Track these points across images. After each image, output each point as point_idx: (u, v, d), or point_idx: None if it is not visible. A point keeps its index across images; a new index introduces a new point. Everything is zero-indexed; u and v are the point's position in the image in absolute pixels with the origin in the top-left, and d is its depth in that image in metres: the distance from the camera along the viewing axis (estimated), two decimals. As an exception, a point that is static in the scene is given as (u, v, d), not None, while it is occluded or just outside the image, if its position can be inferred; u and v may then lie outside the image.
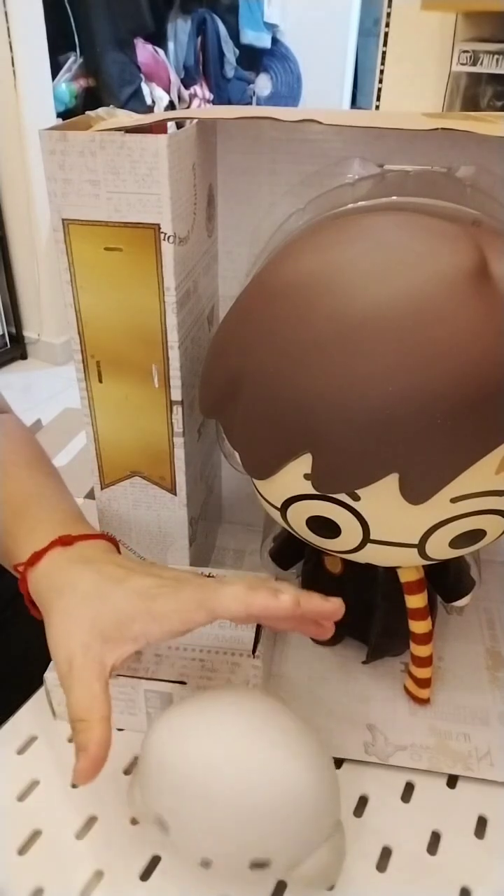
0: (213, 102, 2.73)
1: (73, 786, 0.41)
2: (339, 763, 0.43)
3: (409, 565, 0.42)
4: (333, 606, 0.35)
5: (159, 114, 0.39)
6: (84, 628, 0.34)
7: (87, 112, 0.40)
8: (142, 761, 0.33)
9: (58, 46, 2.16)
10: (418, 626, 0.44)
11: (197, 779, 0.31)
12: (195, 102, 2.65)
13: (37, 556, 0.39)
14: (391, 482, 0.32)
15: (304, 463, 0.33)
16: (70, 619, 0.35)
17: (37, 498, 0.45)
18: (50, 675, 0.43)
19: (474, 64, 1.63)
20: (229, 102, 2.78)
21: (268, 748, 0.31)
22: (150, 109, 2.41)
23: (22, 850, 0.38)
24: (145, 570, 0.38)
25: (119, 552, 0.42)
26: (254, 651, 0.44)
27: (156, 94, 2.49)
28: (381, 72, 1.78)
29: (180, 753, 0.31)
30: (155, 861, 0.37)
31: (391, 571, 0.42)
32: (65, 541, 0.39)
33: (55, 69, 2.19)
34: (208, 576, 0.40)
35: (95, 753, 0.31)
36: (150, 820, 0.33)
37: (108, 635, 0.34)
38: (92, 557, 0.39)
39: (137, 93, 2.41)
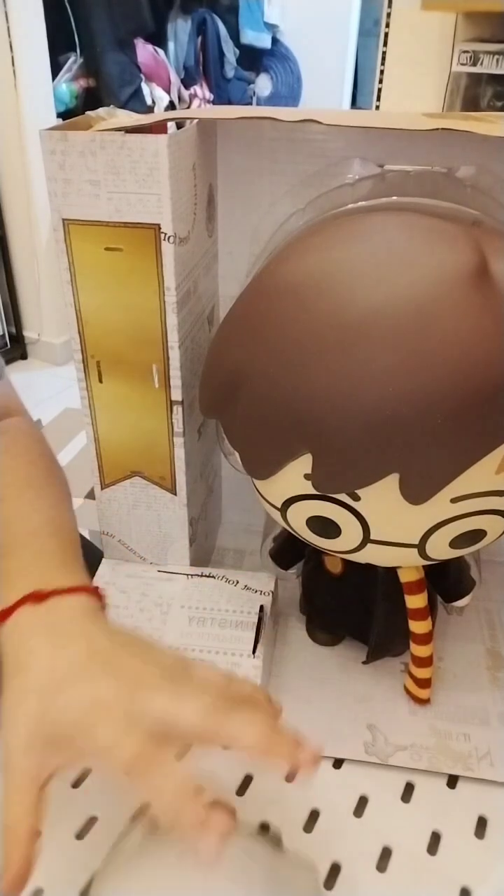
0: (214, 102, 2.73)
1: (74, 786, 0.41)
2: (339, 763, 0.43)
3: (409, 565, 0.41)
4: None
5: (159, 114, 0.39)
6: (26, 727, 0.31)
7: (88, 112, 0.40)
8: None
9: (58, 46, 2.16)
10: (418, 627, 0.44)
11: None
12: (195, 103, 2.65)
13: (4, 614, 0.35)
14: (391, 482, 0.32)
15: (304, 463, 0.33)
16: (16, 710, 0.31)
17: (24, 536, 0.41)
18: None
19: (474, 64, 1.64)
20: (229, 102, 2.78)
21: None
22: (150, 110, 2.41)
23: (22, 850, 0.38)
24: (113, 655, 0.33)
25: (103, 607, 0.37)
26: (254, 651, 0.44)
27: (156, 95, 2.49)
28: (382, 72, 1.78)
29: None
30: (155, 861, 0.37)
31: (391, 571, 0.42)
32: (38, 596, 0.35)
33: (55, 69, 2.19)
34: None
35: (17, 874, 0.29)
36: None
37: (51, 740, 0.30)
38: (61, 627, 0.34)
39: (137, 93, 2.41)
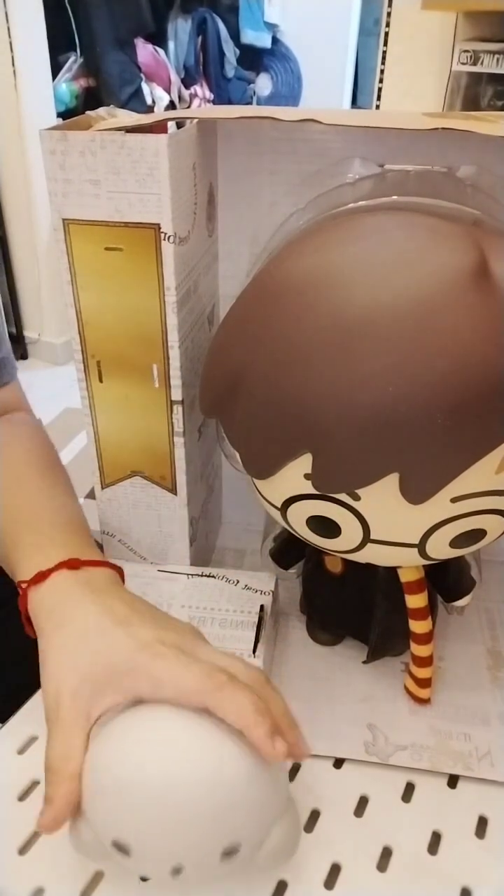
0: (214, 102, 2.73)
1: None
2: (339, 763, 0.43)
3: (409, 565, 0.41)
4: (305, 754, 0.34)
5: (160, 114, 0.39)
6: (77, 671, 0.33)
7: (88, 112, 0.40)
8: (88, 792, 0.32)
9: (58, 46, 2.16)
10: (419, 626, 0.44)
11: (157, 787, 0.30)
12: (195, 102, 2.65)
13: (42, 576, 0.37)
14: (391, 482, 0.32)
15: (304, 463, 0.33)
16: (65, 657, 0.34)
17: (49, 511, 0.44)
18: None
19: (475, 63, 1.63)
20: (230, 102, 2.78)
21: (216, 738, 0.31)
22: (150, 109, 2.41)
23: (22, 850, 0.38)
24: (150, 615, 0.36)
25: (123, 582, 0.41)
26: (254, 650, 0.44)
27: (156, 94, 2.49)
28: (382, 71, 1.78)
29: (134, 767, 0.31)
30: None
31: (391, 571, 0.42)
32: (72, 564, 0.38)
33: (55, 69, 2.19)
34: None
35: (60, 809, 0.31)
36: (102, 852, 0.32)
37: (100, 684, 0.33)
38: (98, 588, 0.37)
39: (138, 93, 2.41)
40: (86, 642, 0.34)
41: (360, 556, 0.38)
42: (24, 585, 0.38)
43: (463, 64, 1.65)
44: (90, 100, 2.35)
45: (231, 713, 0.31)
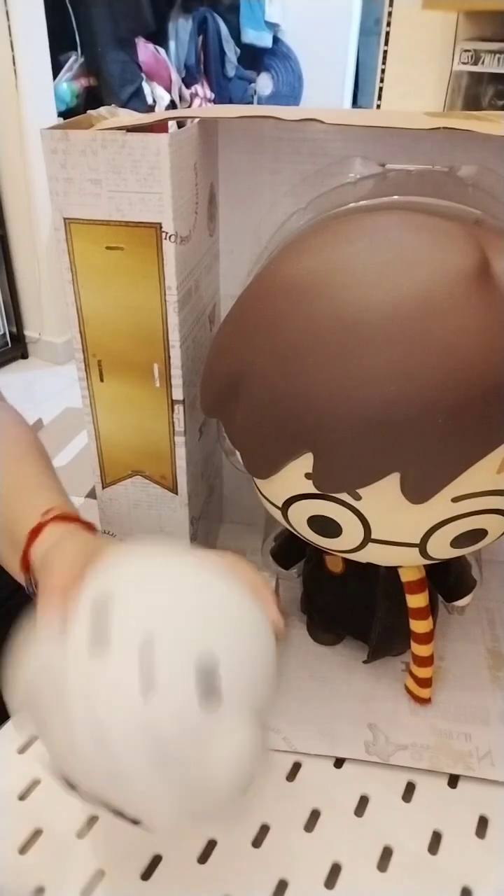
0: (215, 102, 2.73)
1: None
2: (339, 763, 0.43)
3: (410, 565, 0.41)
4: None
5: (160, 113, 0.39)
6: (75, 567, 0.34)
7: (89, 111, 0.40)
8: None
9: (59, 46, 2.16)
10: (419, 626, 0.44)
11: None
12: (196, 102, 2.65)
13: (41, 526, 0.39)
14: (392, 481, 0.32)
15: (305, 462, 0.33)
16: (62, 562, 0.35)
17: (43, 478, 0.46)
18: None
19: (476, 63, 1.63)
20: (230, 102, 2.78)
21: (215, 576, 0.31)
22: (151, 109, 2.41)
23: (23, 850, 0.38)
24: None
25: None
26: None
27: (157, 94, 2.49)
28: (383, 71, 1.78)
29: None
30: (156, 860, 0.37)
31: (392, 571, 0.42)
32: (65, 518, 0.40)
33: (56, 68, 2.19)
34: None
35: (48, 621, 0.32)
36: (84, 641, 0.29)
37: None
38: (86, 537, 0.40)
39: (138, 92, 2.41)
40: (78, 553, 0.35)
41: (361, 556, 0.38)
42: (25, 548, 0.39)
43: (464, 63, 1.65)
44: (91, 99, 2.34)
45: (245, 573, 0.33)
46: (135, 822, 0.30)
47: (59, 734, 0.29)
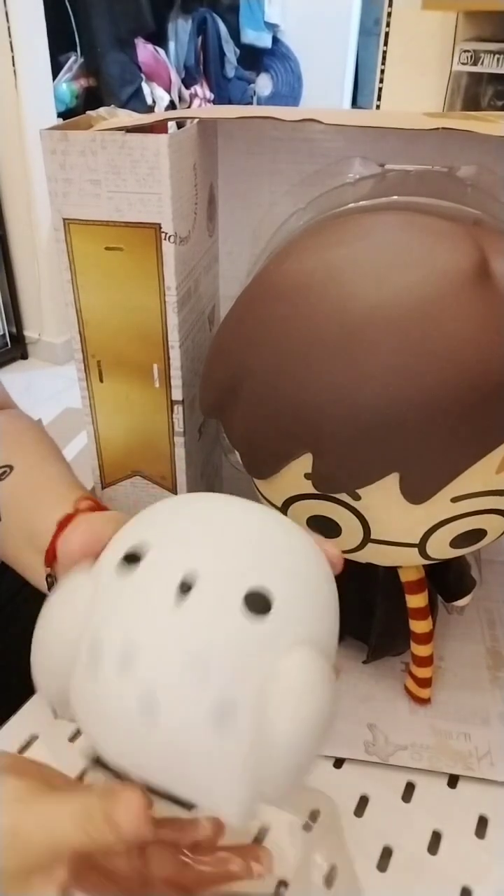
0: (214, 102, 2.73)
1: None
2: (339, 763, 0.43)
3: (409, 565, 0.41)
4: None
5: (160, 113, 0.39)
6: (102, 532, 0.32)
7: (88, 112, 0.40)
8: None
9: (58, 46, 2.16)
10: (419, 626, 0.44)
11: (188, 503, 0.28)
12: (196, 102, 2.65)
13: (70, 517, 0.37)
14: (392, 482, 0.32)
15: (304, 463, 0.33)
16: (87, 526, 0.35)
17: (63, 474, 0.45)
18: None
19: (475, 63, 1.63)
20: (230, 102, 2.78)
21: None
22: (150, 109, 2.41)
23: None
24: None
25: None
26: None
27: (156, 94, 2.49)
28: (382, 71, 1.78)
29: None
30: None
31: (392, 571, 0.42)
32: (66, 521, 0.38)
33: (56, 69, 2.19)
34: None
35: None
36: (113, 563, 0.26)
37: None
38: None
39: (138, 92, 2.41)
40: (113, 518, 0.34)
41: (361, 556, 0.38)
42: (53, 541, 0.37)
43: (463, 64, 1.65)
44: (90, 100, 2.34)
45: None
46: (189, 806, 0.25)
47: (88, 690, 0.25)
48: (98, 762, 0.26)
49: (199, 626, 0.23)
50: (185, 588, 0.24)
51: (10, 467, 0.43)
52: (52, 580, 0.38)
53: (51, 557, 0.37)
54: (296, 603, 0.25)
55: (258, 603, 0.24)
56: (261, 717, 0.23)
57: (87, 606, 0.26)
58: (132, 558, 0.25)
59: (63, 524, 0.37)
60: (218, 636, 0.23)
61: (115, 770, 0.26)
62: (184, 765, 0.24)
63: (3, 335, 2.36)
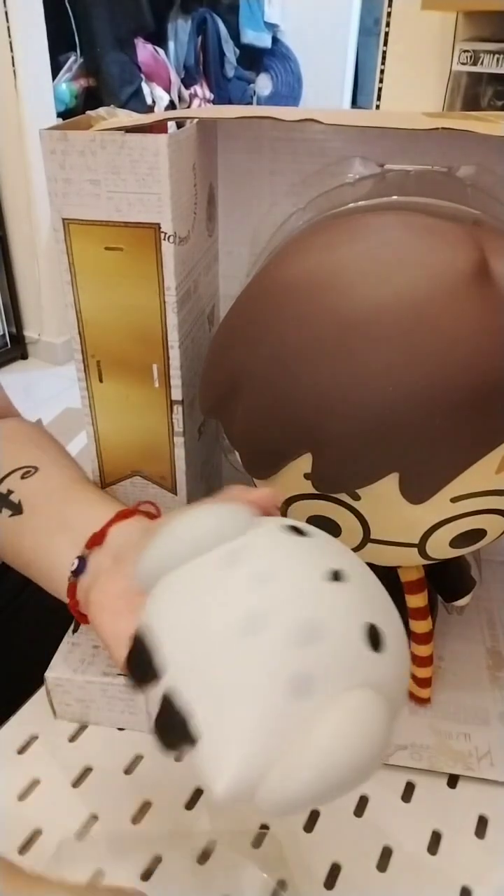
0: (214, 102, 2.73)
1: (73, 785, 0.41)
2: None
3: (409, 565, 0.41)
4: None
5: (159, 113, 0.39)
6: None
7: (88, 112, 0.40)
8: None
9: (58, 46, 2.16)
10: (419, 626, 0.44)
11: None
12: (195, 102, 2.65)
13: (112, 521, 0.38)
14: (391, 482, 0.32)
15: (304, 463, 0.33)
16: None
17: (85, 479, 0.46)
18: (50, 675, 0.43)
19: (475, 63, 1.63)
20: (230, 102, 2.78)
21: None
22: (150, 109, 2.41)
23: (22, 850, 0.38)
24: None
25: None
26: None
27: (156, 94, 2.49)
28: (382, 71, 1.78)
29: None
30: (156, 860, 0.37)
31: (391, 571, 0.42)
32: (125, 514, 0.39)
33: (55, 69, 2.19)
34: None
35: None
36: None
37: None
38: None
39: (138, 92, 2.41)
40: None
41: (361, 556, 0.37)
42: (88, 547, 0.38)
43: (463, 64, 1.64)
44: (90, 100, 2.35)
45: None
46: (193, 740, 0.24)
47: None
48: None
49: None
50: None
51: (36, 468, 0.44)
52: (82, 562, 0.37)
53: (95, 541, 0.37)
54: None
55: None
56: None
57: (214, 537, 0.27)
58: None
59: (122, 515, 0.38)
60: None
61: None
62: (235, 692, 0.23)
63: (3, 335, 2.36)
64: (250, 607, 0.25)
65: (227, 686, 0.24)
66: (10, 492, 0.42)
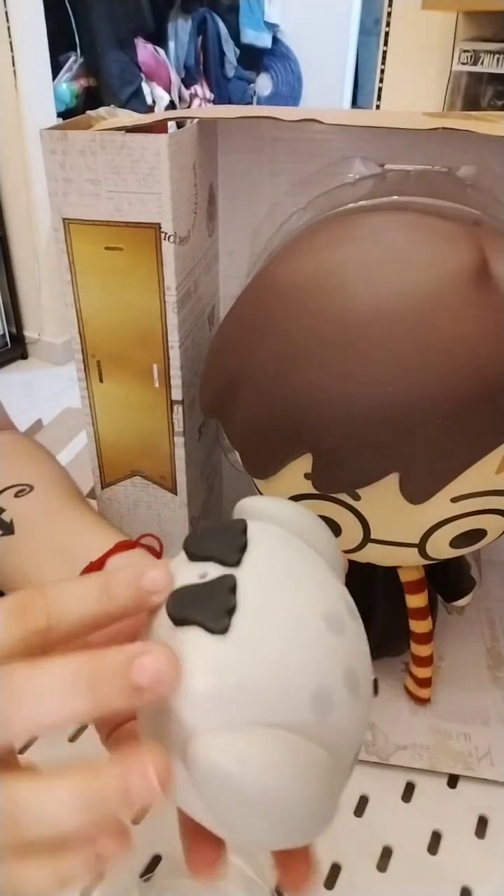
0: (214, 102, 2.73)
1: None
2: (339, 763, 0.43)
3: (409, 565, 0.41)
4: None
5: (160, 113, 0.39)
6: None
7: (88, 112, 0.40)
8: None
9: (58, 46, 2.16)
10: (419, 626, 0.44)
11: None
12: (196, 102, 2.65)
13: (107, 554, 0.37)
14: (391, 482, 0.32)
15: (304, 463, 0.33)
16: None
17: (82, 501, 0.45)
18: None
19: (475, 63, 1.63)
20: (230, 102, 2.78)
21: None
22: (150, 109, 2.41)
23: (22, 850, 0.38)
24: None
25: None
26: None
27: (156, 94, 2.49)
28: (382, 71, 1.78)
29: None
30: (156, 860, 0.37)
31: (391, 571, 0.42)
32: (126, 545, 0.38)
33: (56, 69, 2.19)
34: None
35: None
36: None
37: None
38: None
39: (138, 92, 2.41)
40: None
41: (361, 556, 0.38)
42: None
43: (463, 64, 1.65)
44: (90, 99, 2.35)
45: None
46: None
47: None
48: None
49: None
50: None
51: (31, 486, 0.43)
52: None
53: (92, 570, 0.36)
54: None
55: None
56: None
57: None
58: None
59: (122, 546, 0.37)
60: None
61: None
62: None
63: (3, 335, 2.36)
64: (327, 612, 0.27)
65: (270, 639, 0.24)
66: (1, 510, 0.41)
